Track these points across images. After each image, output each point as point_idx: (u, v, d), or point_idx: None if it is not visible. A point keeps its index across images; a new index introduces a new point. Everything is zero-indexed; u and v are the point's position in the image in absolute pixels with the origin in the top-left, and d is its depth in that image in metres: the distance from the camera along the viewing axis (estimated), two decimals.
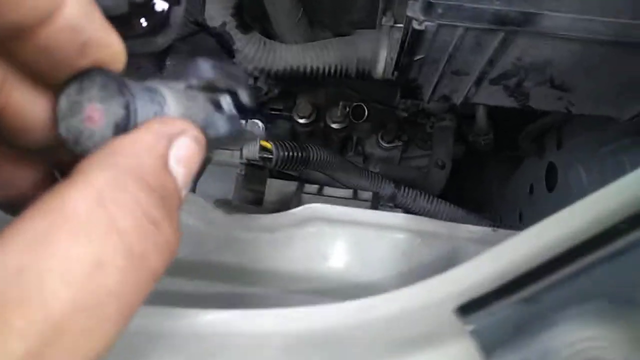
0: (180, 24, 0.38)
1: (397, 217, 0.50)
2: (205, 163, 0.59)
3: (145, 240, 0.19)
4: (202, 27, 0.85)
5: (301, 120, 1.30)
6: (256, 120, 0.74)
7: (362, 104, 1.29)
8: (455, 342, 0.28)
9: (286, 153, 0.75)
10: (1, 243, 0.16)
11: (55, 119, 0.22)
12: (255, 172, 0.94)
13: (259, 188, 0.88)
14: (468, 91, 0.76)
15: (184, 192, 0.22)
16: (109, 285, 0.17)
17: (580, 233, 0.28)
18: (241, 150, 0.72)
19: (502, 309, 0.27)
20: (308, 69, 0.77)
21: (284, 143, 0.76)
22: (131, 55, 0.23)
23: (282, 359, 0.31)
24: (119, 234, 0.18)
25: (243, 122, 0.30)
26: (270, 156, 0.74)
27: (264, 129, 0.75)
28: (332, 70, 0.77)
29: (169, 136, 0.21)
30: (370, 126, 1.40)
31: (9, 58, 0.21)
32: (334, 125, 1.30)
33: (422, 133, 1.42)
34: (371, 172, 0.90)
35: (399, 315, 0.32)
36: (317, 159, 0.78)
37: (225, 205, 0.73)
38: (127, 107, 0.21)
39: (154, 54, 1.18)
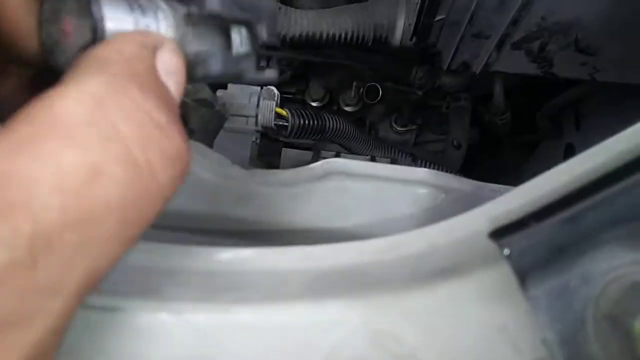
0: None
1: (420, 172, 0.48)
2: (219, 127, 0.58)
3: (151, 147, 0.17)
4: None
5: (313, 104, 1.28)
6: (271, 87, 0.73)
7: (376, 85, 1.28)
8: (487, 269, 0.27)
9: (302, 121, 0.74)
10: None
11: (39, 24, 0.21)
12: (269, 144, 0.93)
13: (273, 161, 0.87)
14: (489, 57, 0.74)
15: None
16: (108, 197, 0.16)
17: (625, 153, 0.26)
18: (256, 117, 0.71)
19: (541, 230, 0.25)
20: (324, 36, 0.75)
21: (300, 111, 0.75)
22: None
23: (305, 295, 0.29)
24: (120, 140, 0.16)
25: (253, 60, 0.27)
26: (286, 124, 0.73)
27: (278, 96, 0.74)
28: (349, 37, 0.76)
29: (152, 47, 0.20)
30: (384, 108, 1.38)
31: None
32: (347, 108, 1.29)
33: (436, 116, 1.40)
34: (387, 144, 0.88)
35: (429, 250, 0.30)
36: (333, 127, 0.76)
37: None
38: (94, 31, 0.20)
39: None
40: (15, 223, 0.14)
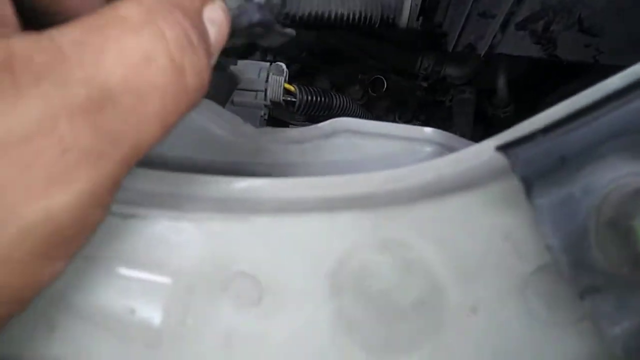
0: None
1: (426, 130, 0.50)
2: (231, 90, 0.59)
3: (184, 54, 0.20)
4: None
5: None
6: (280, 63, 0.75)
7: (381, 77, 1.30)
8: (495, 181, 0.28)
9: (310, 97, 0.75)
10: (59, 27, 0.18)
11: None
12: (277, 124, 0.94)
13: None
14: (494, 38, 0.75)
15: (213, 59, 0.24)
16: (155, 80, 0.19)
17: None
18: (265, 92, 0.73)
19: (547, 141, 0.27)
20: (332, 15, 0.77)
21: (308, 87, 0.76)
22: None
23: (317, 209, 0.30)
24: (165, 41, 0.20)
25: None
26: (294, 99, 0.74)
27: (287, 73, 0.75)
28: (357, 18, 0.78)
29: None
30: (388, 102, 1.40)
31: None
32: None
33: (440, 112, 1.42)
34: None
35: (436, 180, 0.32)
36: (340, 105, 0.78)
37: None
38: None
39: None
40: (89, 72, 0.17)
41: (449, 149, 0.50)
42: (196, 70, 0.21)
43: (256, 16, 0.29)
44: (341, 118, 0.50)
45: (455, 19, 0.73)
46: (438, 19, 0.73)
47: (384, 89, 1.33)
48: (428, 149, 0.49)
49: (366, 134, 0.49)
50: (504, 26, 0.72)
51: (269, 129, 0.51)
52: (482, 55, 0.80)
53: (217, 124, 0.50)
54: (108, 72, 0.18)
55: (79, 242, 0.19)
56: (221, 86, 0.55)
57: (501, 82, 1.18)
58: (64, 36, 0.17)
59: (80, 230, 0.18)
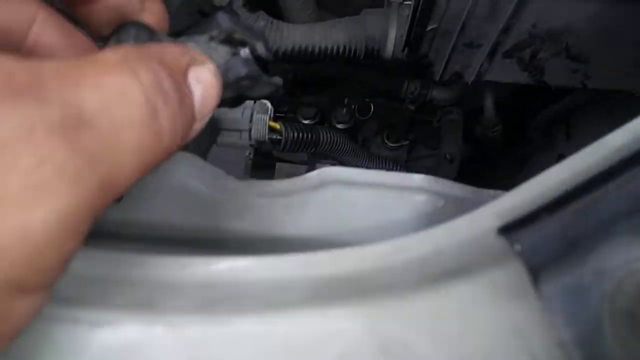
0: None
1: (417, 178, 0.47)
2: (211, 141, 0.57)
3: (157, 96, 0.20)
4: (207, 16, 0.84)
5: (305, 122, 1.28)
6: (264, 101, 0.73)
7: (368, 101, 1.28)
8: (498, 267, 0.26)
9: (296, 134, 0.73)
10: (41, 58, 0.18)
11: None
12: (262, 161, 0.92)
13: (267, 177, 0.86)
14: (481, 66, 0.74)
15: (197, 123, 0.23)
16: (131, 115, 0.19)
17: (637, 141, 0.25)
18: (250, 131, 0.70)
19: (553, 222, 0.24)
20: (316, 49, 0.75)
21: (293, 124, 0.74)
22: None
23: (307, 304, 0.28)
24: (138, 79, 0.20)
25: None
26: (280, 137, 0.72)
27: (272, 110, 0.73)
28: (341, 51, 0.76)
29: (191, 58, 0.23)
30: (376, 125, 1.38)
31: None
32: (339, 126, 1.29)
33: (428, 131, 1.40)
34: (382, 157, 0.88)
35: (435, 252, 0.29)
36: (327, 140, 0.75)
37: None
38: None
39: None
40: (66, 95, 0.17)
41: (442, 196, 0.48)
42: (169, 114, 0.21)
43: (243, 70, 0.29)
44: (329, 168, 0.48)
45: (441, 49, 0.71)
46: (424, 50, 0.72)
47: (371, 113, 1.31)
48: (420, 197, 0.47)
49: (355, 184, 0.47)
50: (491, 55, 0.71)
51: (254, 182, 0.48)
52: (469, 83, 0.79)
53: (198, 179, 0.47)
54: (84, 99, 0.18)
55: (54, 273, 0.18)
56: (200, 139, 0.53)
57: (488, 103, 1.17)
58: (44, 64, 0.18)
59: (57, 257, 0.17)
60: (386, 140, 1.43)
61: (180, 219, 0.46)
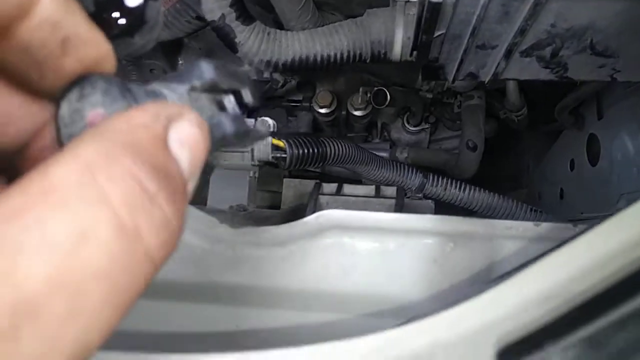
0: (158, 21, 0.33)
1: (424, 219, 0.44)
2: (210, 171, 0.54)
3: (137, 213, 0.17)
4: (206, 22, 0.80)
5: (322, 110, 1.24)
6: (266, 118, 0.69)
7: (384, 89, 1.23)
8: None
9: (301, 150, 0.70)
10: None
11: (56, 127, 0.21)
12: (271, 172, 0.89)
13: (276, 189, 0.83)
14: (497, 66, 0.68)
15: (190, 184, 0.20)
16: (95, 262, 0.15)
17: None
18: (252, 151, 0.67)
19: (558, 353, 0.21)
20: (318, 58, 0.71)
21: (297, 140, 0.70)
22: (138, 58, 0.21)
23: None
24: (108, 205, 0.16)
25: (250, 120, 0.28)
26: (284, 155, 0.69)
27: (274, 125, 0.70)
28: (345, 57, 0.71)
29: (167, 117, 0.20)
30: (394, 110, 1.33)
31: None
32: (356, 113, 1.24)
33: (449, 113, 1.34)
34: (395, 162, 0.84)
35: (429, 350, 0.26)
36: (335, 153, 0.72)
37: (241, 211, 0.69)
38: None
39: (165, 53, 1.15)
40: None
41: (451, 238, 0.44)
42: (158, 225, 0.17)
43: (231, 129, 0.26)
44: (328, 212, 0.45)
45: (452, 52, 0.66)
46: (433, 54, 0.66)
47: (387, 101, 1.26)
48: (428, 241, 0.44)
49: (357, 229, 0.44)
50: (508, 55, 0.65)
51: (249, 230, 0.46)
52: (485, 82, 0.73)
53: (191, 230, 0.45)
54: (26, 277, 0.14)
55: None
56: None
57: (511, 87, 1.10)
58: None
59: None
60: (406, 125, 1.38)
61: (173, 273, 0.44)
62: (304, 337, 0.31)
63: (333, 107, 1.26)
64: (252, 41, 0.68)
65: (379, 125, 1.44)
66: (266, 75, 1.24)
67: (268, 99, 1.26)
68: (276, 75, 1.30)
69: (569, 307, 0.22)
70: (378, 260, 0.43)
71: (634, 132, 0.88)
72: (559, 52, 0.63)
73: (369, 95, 1.23)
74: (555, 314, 0.22)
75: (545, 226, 0.48)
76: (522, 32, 0.59)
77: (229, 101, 0.28)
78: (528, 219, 0.74)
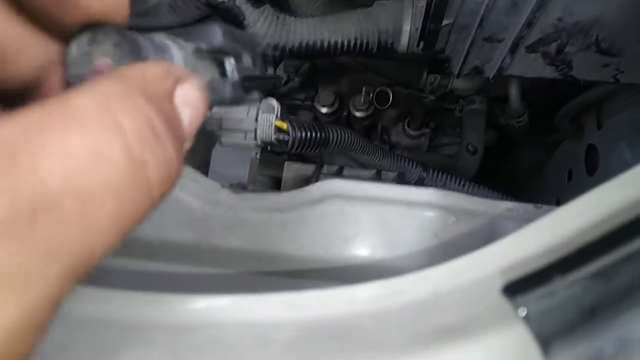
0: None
1: (426, 193, 0.44)
2: (214, 139, 0.54)
3: (145, 146, 0.18)
4: (213, 8, 0.81)
5: (323, 110, 1.25)
6: (270, 99, 0.69)
7: (386, 89, 1.23)
8: (502, 331, 0.22)
9: (303, 134, 0.70)
10: None
11: (64, 63, 0.22)
12: (272, 157, 0.88)
13: (276, 174, 0.83)
14: (502, 61, 0.69)
15: (187, 143, 0.22)
16: (107, 179, 0.17)
17: None
18: (255, 131, 0.67)
19: (566, 287, 0.21)
20: (325, 44, 0.71)
21: (301, 123, 0.70)
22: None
23: (288, 356, 0.25)
24: (120, 133, 0.17)
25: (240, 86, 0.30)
26: (287, 137, 0.69)
27: (278, 108, 0.70)
28: (352, 45, 0.72)
29: (176, 77, 0.21)
30: (395, 113, 1.33)
31: None
32: (357, 114, 1.25)
33: (450, 119, 1.35)
34: (396, 154, 0.84)
35: (431, 299, 0.26)
36: (337, 139, 0.72)
37: (241, 189, 0.68)
38: None
39: None
40: (19, 179, 0.15)
41: (453, 212, 0.44)
42: (161, 162, 0.19)
43: (228, 94, 0.28)
44: (330, 181, 0.45)
45: (459, 44, 0.66)
46: (440, 45, 0.67)
47: (390, 102, 1.26)
48: (429, 214, 0.44)
49: (358, 198, 0.44)
50: (513, 49, 0.66)
51: (250, 195, 0.45)
52: (490, 78, 0.74)
53: (192, 192, 0.45)
54: (45, 174, 0.15)
55: None
56: (197, 143, 0.50)
57: (513, 93, 1.11)
58: None
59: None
60: (407, 128, 1.38)
61: (172, 234, 0.44)
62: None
63: (335, 107, 1.26)
64: (261, 24, 0.69)
65: (379, 128, 1.44)
66: (269, 71, 1.24)
67: (270, 97, 1.26)
68: (280, 72, 1.30)
69: (578, 246, 0.22)
70: (378, 231, 0.43)
71: (633, 143, 0.89)
72: (565, 48, 0.64)
73: (371, 95, 1.24)
74: (563, 254, 0.22)
75: (546, 209, 0.48)
76: (529, 25, 0.60)
77: (230, 64, 0.28)
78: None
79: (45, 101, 0.17)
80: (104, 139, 0.17)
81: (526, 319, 0.21)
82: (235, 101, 0.29)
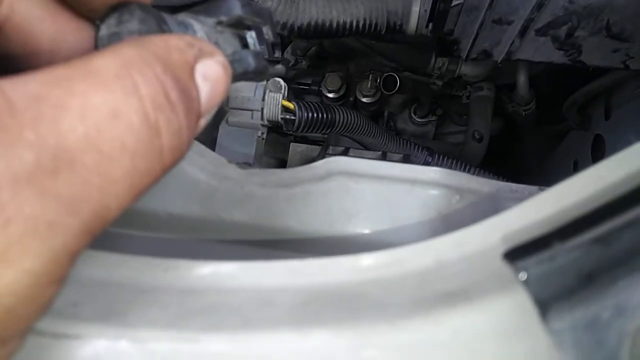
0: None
1: (431, 171, 0.44)
2: (222, 115, 0.55)
3: (159, 112, 0.18)
4: None
5: (330, 95, 1.24)
6: (278, 79, 0.69)
7: (394, 74, 1.23)
8: (503, 295, 0.23)
9: (310, 114, 0.70)
10: (14, 77, 0.16)
11: (95, 46, 0.22)
12: (278, 139, 0.89)
13: (282, 155, 0.83)
14: (511, 44, 0.68)
15: (203, 119, 0.22)
16: (124, 139, 0.17)
17: None
18: (262, 111, 0.68)
19: (566, 252, 0.21)
20: (334, 24, 0.71)
21: (308, 104, 0.71)
22: None
23: (287, 323, 0.26)
24: (138, 96, 0.18)
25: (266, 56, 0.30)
26: (293, 117, 0.69)
27: (285, 87, 0.70)
28: (361, 25, 0.71)
29: (199, 50, 0.21)
30: (402, 99, 1.33)
31: None
32: (364, 99, 1.24)
33: (457, 106, 1.34)
34: (403, 138, 0.84)
35: (434, 267, 0.26)
36: (343, 120, 0.72)
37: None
38: None
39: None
40: (44, 132, 0.15)
41: (458, 191, 0.45)
42: (173, 130, 0.19)
43: (252, 65, 0.28)
44: (336, 158, 0.45)
45: (468, 26, 0.66)
46: (449, 26, 0.67)
47: (397, 87, 1.26)
48: (433, 192, 0.44)
49: (363, 176, 0.44)
50: (523, 32, 0.65)
51: (256, 171, 0.46)
52: (498, 61, 0.73)
53: (199, 166, 0.45)
54: (66, 130, 0.16)
55: (30, 323, 0.17)
56: None
57: (522, 80, 1.11)
58: (18, 88, 0.16)
59: (32, 308, 0.16)
60: (413, 115, 1.38)
61: (179, 207, 0.45)
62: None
63: (342, 92, 1.26)
64: (271, 1, 0.68)
65: (386, 114, 1.44)
66: (277, 55, 1.24)
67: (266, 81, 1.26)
68: (287, 55, 1.30)
69: (580, 213, 0.22)
70: (383, 207, 0.43)
71: None
72: (575, 32, 0.63)
73: (378, 81, 1.23)
74: (565, 221, 0.22)
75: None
76: (539, 7, 0.59)
77: (251, 37, 0.29)
78: None
79: (68, 62, 0.17)
80: (122, 99, 0.17)
81: (526, 283, 0.21)
82: (260, 72, 0.29)
